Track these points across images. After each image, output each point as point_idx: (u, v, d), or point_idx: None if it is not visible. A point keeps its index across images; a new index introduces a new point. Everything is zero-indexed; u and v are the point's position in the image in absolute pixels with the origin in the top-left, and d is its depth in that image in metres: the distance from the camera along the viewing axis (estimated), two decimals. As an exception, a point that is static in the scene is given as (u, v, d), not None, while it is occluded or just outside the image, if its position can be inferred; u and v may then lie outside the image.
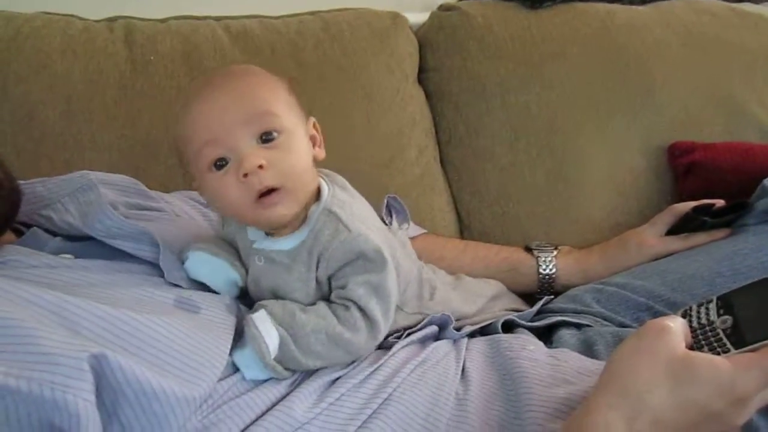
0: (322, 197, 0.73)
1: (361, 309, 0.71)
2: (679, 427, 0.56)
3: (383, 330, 0.72)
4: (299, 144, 0.71)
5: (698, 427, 0.56)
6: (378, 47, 1.20)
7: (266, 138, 0.69)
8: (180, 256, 0.75)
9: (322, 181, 0.75)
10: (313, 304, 0.73)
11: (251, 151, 0.68)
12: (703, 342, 0.61)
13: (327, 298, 0.73)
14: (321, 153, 0.76)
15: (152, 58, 1.10)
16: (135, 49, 1.10)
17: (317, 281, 0.73)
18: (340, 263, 0.71)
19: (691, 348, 0.60)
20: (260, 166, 0.67)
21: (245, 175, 0.67)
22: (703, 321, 0.62)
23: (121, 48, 1.10)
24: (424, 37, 1.27)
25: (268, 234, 0.74)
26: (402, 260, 0.80)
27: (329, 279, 0.73)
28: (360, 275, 0.71)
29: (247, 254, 0.75)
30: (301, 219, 0.72)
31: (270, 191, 0.68)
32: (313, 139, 0.75)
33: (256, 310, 0.71)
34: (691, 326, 0.62)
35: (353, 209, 0.73)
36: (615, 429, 0.55)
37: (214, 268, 0.75)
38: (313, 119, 0.77)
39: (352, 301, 0.71)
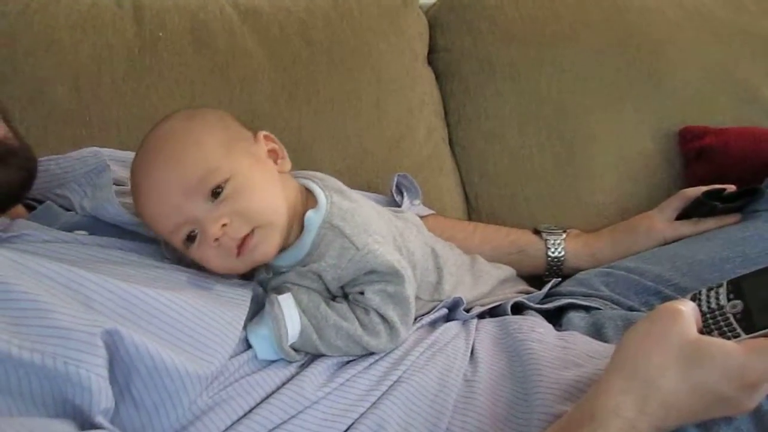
0: (319, 204, 0.72)
1: (380, 315, 0.71)
2: (689, 410, 0.56)
3: (403, 334, 0.72)
4: (253, 179, 0.69)
5: (709, 411, 0.56)
6: (388, 27, 1.19)
7: (215, 192, 0.67)
8: None
9: (314, 185, 0.74)
10: (330, 298, 0.73)
11: (208, 216, 0.66)
12: (712, 326, 0.61)
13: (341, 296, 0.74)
14: (285, 165, 0.74)
15: (161, 34, 1.10)
16: (143, 26, 1.10)
17: (327, 287, 0.73)
18: (351, 277, 0.71)
19: (700, 332, 0.60)
20: (224, 225, 0.66)
21: (216, 240, 0.66)
22: (713, 305, 0.62)
23: (129, 24, 1.10)
24: (435, 17, 1.25)
25: None
26: (416, 248, 0.79)
27: (342, 287, 0.73)
28: (375, 284, 0.71)
29: None
30: (298, 229, 0.72)
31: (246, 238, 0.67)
32: (272, 153, 0.74)
33: (281, 292, 0.71)
34: (700, 311, 0.62)
35: (355, 218, 0.72)
36: (626, 412, 0.55)
37: None
38: (262, 133, 0.74)
39: (369, 307, 0.71)
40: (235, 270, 0.71)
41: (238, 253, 0.68)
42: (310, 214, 0.72)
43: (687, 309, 0.59)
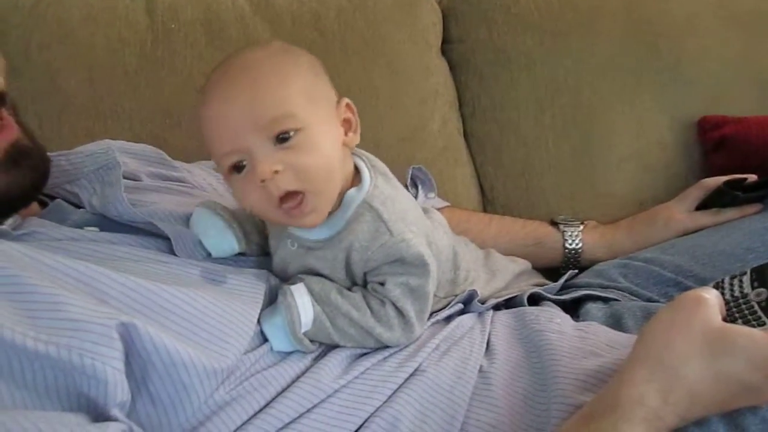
0: (363, 184, 0.70)
1: (396, 308, 0.70)
2: (714, 399, 0.55)
3: (417, 329, 0.71)
4: (321, 139, 0.66)
5: (733, 400, 0.55)
6: (401, 17, 1.18)
7: (282, 137, 0.64)
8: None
9: (362, 164, 0.72)
10: (347, 287, 0.72)
11: (265, 155, 0.64)
12: (736, 315, 0.60)
13: (361, 283, 0.73)
14: (354, 139, 0.71)
15: (173, 26, 1.10)
16: (156, 18, 1.10)
17: (349, 272, 0.71)
18: (378, 263, 0.70)
19: (724, 321, 0.58)
20: (275, 171, 0.64)
21: (262, 181, 0.64)
22: (737, 293, 0.61)
23: (142, 16, 1.10)
24: (448, 7, 1.24)
25: None
26: (443, 247, 0.78)
27: (365, 273, 0.72)
28: (398, 276, 0.70)
29: (278, 235, 0.74)
30: (336, 204, 0.70)
31: (294, 196, 0.65)
32: (347, 122, 0.71)
33: (294, 282, 0.70)
34: (723, 299, 0.61)
35: (395, 205, 0.70)
36: (650, 402, 0.54)
37: (211, 227, 0.72)
38: (345, 100, 0.72)
39: (387, 298, 0.70)
40: (265, 216, 0.69)
41: (280, 205, 0.65)
42: (352, 191, 0.70)
43: (711, 296, 0.58)
